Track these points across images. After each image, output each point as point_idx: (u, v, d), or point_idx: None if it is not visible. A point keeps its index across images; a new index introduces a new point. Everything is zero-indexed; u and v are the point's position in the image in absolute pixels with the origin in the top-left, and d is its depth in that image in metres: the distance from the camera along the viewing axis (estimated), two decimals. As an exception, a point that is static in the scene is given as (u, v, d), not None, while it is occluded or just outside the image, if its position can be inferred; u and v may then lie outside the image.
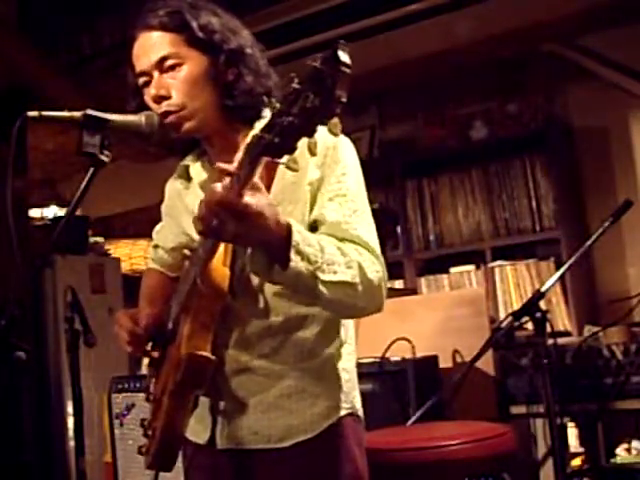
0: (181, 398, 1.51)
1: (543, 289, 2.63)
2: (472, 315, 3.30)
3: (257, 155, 1.16)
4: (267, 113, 1.49)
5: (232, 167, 1.22)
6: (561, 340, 3.28)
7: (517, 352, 3.28)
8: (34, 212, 5.32)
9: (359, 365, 1.64)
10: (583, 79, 4.13)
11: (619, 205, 2.84)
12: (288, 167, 1.15)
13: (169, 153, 1.70)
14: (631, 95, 4.03)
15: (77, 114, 1.46)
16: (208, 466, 1.60)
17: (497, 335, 2.87)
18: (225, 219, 1.22)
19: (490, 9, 3.67)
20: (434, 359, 3.10)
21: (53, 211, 5.55)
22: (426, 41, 3.96)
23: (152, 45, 1.53)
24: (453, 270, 4.32)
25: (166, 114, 1.52)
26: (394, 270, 4.22)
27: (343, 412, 1.54)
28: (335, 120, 1.06)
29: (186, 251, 1.72)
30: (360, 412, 1.61)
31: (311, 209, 1.49)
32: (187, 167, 1.66)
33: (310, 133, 1.07)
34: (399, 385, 2.89)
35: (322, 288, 1.34)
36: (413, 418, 2.71)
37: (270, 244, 1.28)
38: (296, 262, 1.29)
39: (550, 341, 2.65)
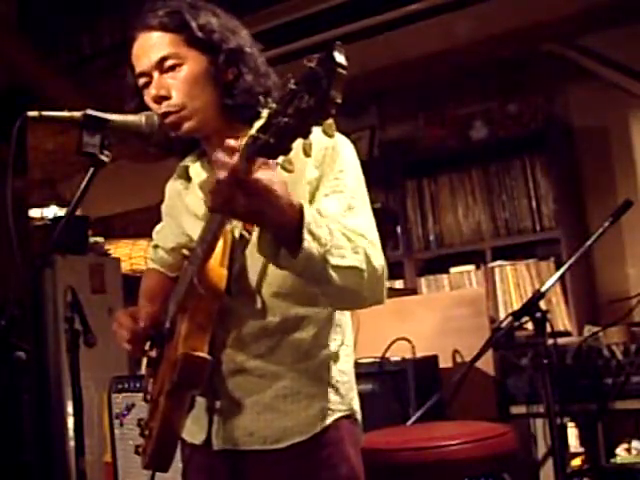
0: (178, 398, 1.51)
1: (543, 289, 2.63)
2: (472, 315, 3.29)
3: (253, 155, 1.15)
4: (265, 113, 1.49)
5: (238, 143, 1.18)
6: (561, 340, 3.27)
7: (517, 352, 3.28)
8: (34, 212, 5.32)
9: (359, 365, 1.64)
10: (583, 79, 4.13)
11: (619, 205, 2.84)
12: (283, 168, 1.15)
13: (169, 153, 1.69)
14: (631, 95, 4.03)
15: (77, 114, 1.46)
16: (205, 467, 1.60)
17: (497, 335, 2.87)
18: (235, 193, 1.18)
19: (490, 9, 3.67)
20: (434, 359, 3.09)
21: (53, 211, 5.55)
22: (426, 41, 3.96)
23: (152, 45, 1.53)
24: (453, 270, 4.33)
25: (166, 114, 1.52)
26: (394, 270, 4.21)
27: (339, 414, 1.54)
28: (330, 121, 1.06)
29: (186, 251, 1.72)
30: (358, 414, 1.60)
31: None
32: (187, 168, 1.66)
33: (305, 134, 1.07)
34: (399, 385, 2.89)
35: (332, 272, 1.29)
36: (413, 418, 2.71)
37: (282, 223, 1.23)
38: (308, 242, 1.24)
39: (550, 341, 2.64)
